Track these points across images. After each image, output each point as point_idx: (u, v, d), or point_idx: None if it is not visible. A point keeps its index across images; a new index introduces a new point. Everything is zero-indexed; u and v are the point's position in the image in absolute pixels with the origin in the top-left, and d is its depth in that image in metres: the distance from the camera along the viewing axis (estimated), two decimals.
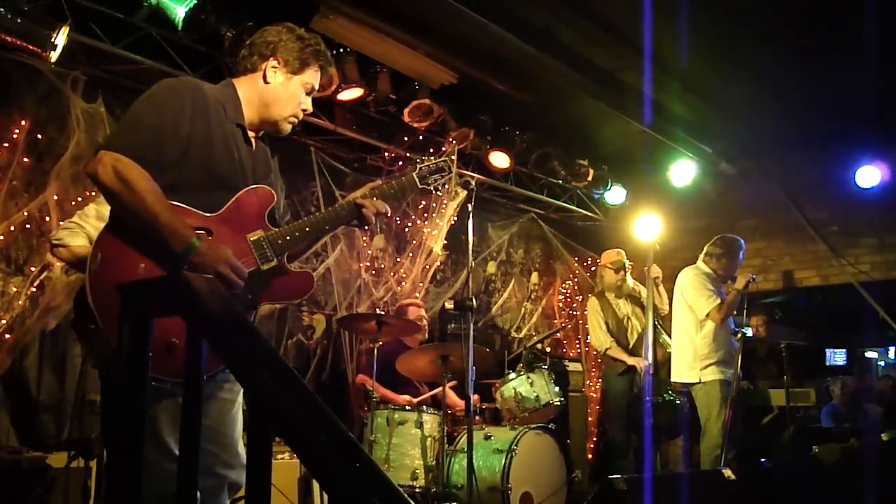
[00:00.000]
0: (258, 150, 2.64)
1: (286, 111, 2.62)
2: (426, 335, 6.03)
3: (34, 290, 4.86)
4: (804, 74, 6.44)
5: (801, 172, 8.07)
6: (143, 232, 2.29)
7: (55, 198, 4.91)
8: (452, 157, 6.80)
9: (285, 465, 4.81)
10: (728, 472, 4.07)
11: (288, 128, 2.66)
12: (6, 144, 4.79)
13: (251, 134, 2.61)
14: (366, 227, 2.72)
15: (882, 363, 15.43)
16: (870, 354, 14.93)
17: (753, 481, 4.27)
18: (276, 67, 2.59)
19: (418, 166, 2.84)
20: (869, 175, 7.63)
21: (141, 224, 2.28)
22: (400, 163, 6.89)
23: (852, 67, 6.18)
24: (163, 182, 2.32)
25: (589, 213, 8.86)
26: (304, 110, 2.67)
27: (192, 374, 1.63)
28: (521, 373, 5.56)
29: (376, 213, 2.65)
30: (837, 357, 13.51)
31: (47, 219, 4.90)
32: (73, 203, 4.92)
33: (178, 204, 2.35)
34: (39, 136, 4.96)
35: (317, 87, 2.69)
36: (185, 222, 2.33)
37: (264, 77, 2.59)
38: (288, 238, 2.52)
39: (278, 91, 2.59)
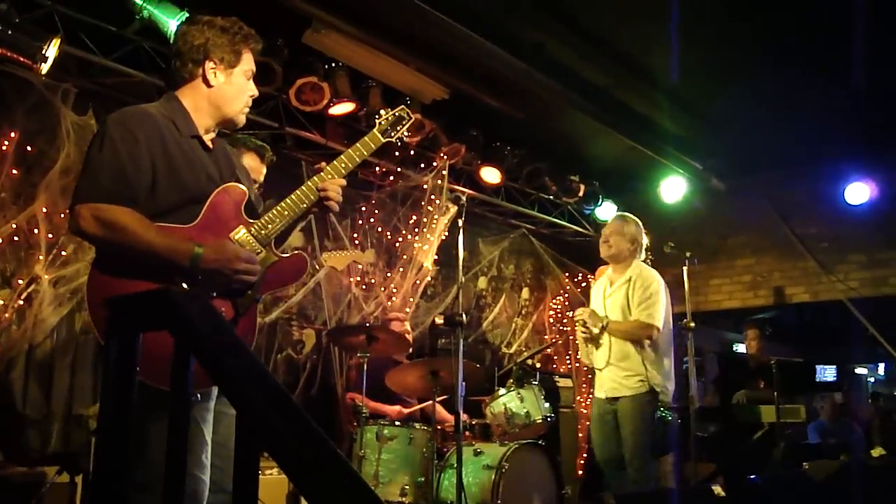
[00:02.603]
0: (217, 150, 2.61)
1: (239, 105, 2.61)
2: (410, 349, 6.01)
3: (21, 302, 4.83)
4: (793, 92, 6.48)
5: (791, 189, 8.12)
6: (145, 263, 2.28)
7: (44, 210, 4.89)
8: (443, 166, 6.82)
9: (274, 481, 4.78)
10: (718, 489, 4.06)
11: (243, 119, 2.65)
12: None
13: (207, 139, 2.58)
14: (330, 212, 2.67)
15: (872, 379, 15.50)
16: (860, 370, 15.00)
17: (743, 498, 4.26)
18: (214, 68, 2.54)
19: (377, 121, 2.81)
20: (858, 192, 7.68)
21: (140, 257, 2.28)
22: (391, 177, 6.90)
23: (841, 85, 6.23)
24: (140, 213, 2.32)
25: (580, 229, 8.87)
26: (251, 96, 2.65)
27: (179, 389, 1.61)
28: (512, 388, 5.54)
29: (337, 190, 2.61)
30: (827, 373, 13.55)
31: (35, 231, 4.88)
32: (62, 216, 4.91)
33: (159, 224, 2.35)
34: (29, 148, 4.94)
35: (254, 68, 2.66)
36: (179, 238, 2.33)
37: (206, 82, 2.54)
38: (269, 226, 2.51)
39: (225, 91, 2.56)
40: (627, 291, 5.09)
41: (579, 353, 5.49)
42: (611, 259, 5.28)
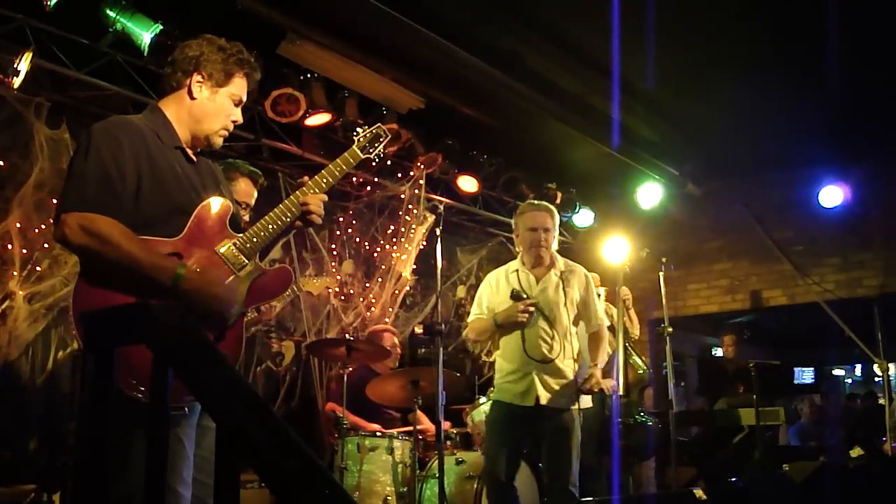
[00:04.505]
0: (201, 164, 2.61)
1: (216, 125, 2.59)
2: (397, 362, 5.98)
3: None
4: (767, 97, 6.55)
5: (766, 193, 8.18)
6: (127, 276, 2.27)
7: (18, 225, 4.84)
8: (420, 176, 6.82)
9: (254, 495, 4.74)
10: (699, 493, 4.08)
11: (219, 141, 2.63)
12: None
13: (190, 151, 2.58)
14: (312, 225, 2.70)
15: (849, 380, 15.67)
16: (837, 372, 15.17)
17: (724, 501, 4.28)
18: (200, 82, 2.55)
19: (356, 139, 2.85)
20: (831, 195, 7.77)
21: (123, 270, 2.26)
22: (368, 188, 6.89)
23: (814, 90, 6.31)
24: (125, 223, 2.31)
25: (557, 236, 8.87)
26: (234, 122, 2.64)
27: (158, 404, 1.60)
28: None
29: (319, 205, 2.64)
30: (806, 375, 13.70)
31: (9, 246, 4.83)
32: (37, 231, 4.86)
33: (145, 237, 2.34)
34: (2, 163, 4.89)
35: (244, 98, 2.66)
36: (165, 255, 2.33)
37: (190, 93, 2.55)
38: (255, 240, 2.53)
39: (206, 106, 2.56)
40: (565, 290, 4.45)
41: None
42: (543, 259, 4.60)
